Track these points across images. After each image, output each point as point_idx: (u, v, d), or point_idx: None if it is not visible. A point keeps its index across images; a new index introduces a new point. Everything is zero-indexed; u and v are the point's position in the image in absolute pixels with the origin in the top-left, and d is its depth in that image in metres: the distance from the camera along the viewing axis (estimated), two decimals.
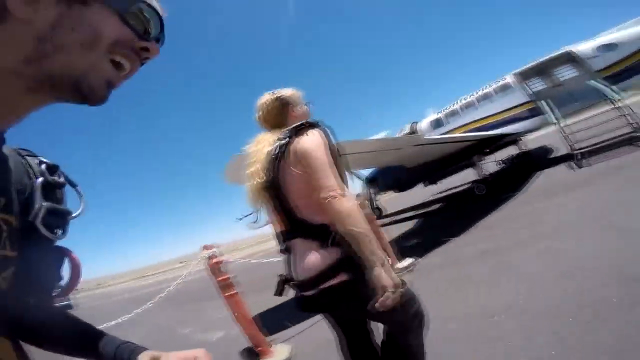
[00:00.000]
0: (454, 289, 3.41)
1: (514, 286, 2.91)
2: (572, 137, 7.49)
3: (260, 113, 1.53)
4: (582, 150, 7.17)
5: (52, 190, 0.59)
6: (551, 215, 4.61)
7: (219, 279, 3.38)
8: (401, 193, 11.79)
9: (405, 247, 6.42)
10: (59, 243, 0.59)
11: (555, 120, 7.60)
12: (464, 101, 10.00)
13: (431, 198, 12.70)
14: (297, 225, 1.29)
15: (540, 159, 10.10)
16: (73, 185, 0.64)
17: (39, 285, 0.58)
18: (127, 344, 0.69)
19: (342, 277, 1.19)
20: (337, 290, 1.20)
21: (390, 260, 4.60)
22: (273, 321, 4.40)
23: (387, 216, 12.62)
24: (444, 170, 9.32)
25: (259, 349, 3.33)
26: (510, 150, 11.67)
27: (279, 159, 1.29)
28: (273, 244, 1.90)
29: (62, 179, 0.62)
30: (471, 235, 5.29)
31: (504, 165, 12.06)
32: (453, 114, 10.18)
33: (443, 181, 11.18)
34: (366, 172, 11.29)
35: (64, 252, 0.61)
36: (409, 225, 8.68)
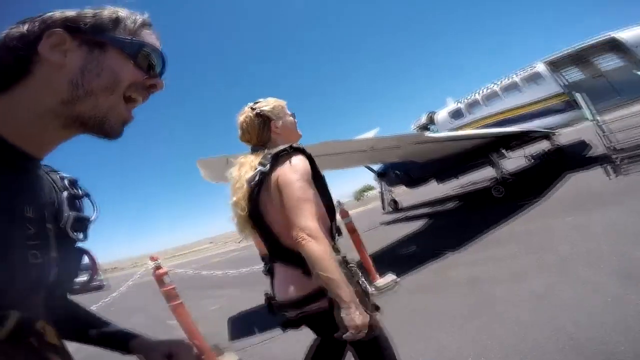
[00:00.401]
0: (419, 323, 3.09)
1: (486, 336, 2.50)
2: (611, 137, 6.38)
3: (241, 132, 1.45)
4: (622, 155, 6.06)
5: (73, 201, 0.70)
6: (568, 240, 3.83)
7: (164, 289, 3.42)
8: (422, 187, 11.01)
9: (400, 255, 5.92)
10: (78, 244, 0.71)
11: (591, 117, 6.46)
12: (486, 91, 8.91)
13: (450, 193, 11.90)
14: (280, 252, 1.27)
15: (575, 157, 8.92)
16: (88, 195, 0.75)
17: (67, 280, 0.70)
18: (124, 330, 0.84)
19: (320, 305, 1.19)
20: (315, 317, 1.22)
21: (370, 277, 4.12)
22: (244, 325, 4.48)
23: (401, 210, 12.05)
24: (458, 168, 8.41)
25: (202, 357, 3.17)
26: (542, 145, 10.43)
27: (259, 188, 1.26)
28: None
29: (80, 192, 0.74)
30: (470, 253, 4.71)
31: (533, 161, 10.88)
32: (474, 104, 9.14)
33: (462, 177, 10.23)
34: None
35: (83, 252, 0.72)
36: (415, 226, 8.09)
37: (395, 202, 12.65)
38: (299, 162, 1.23)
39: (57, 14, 0.57)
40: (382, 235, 8.24)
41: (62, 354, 0.61)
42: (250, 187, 1.26)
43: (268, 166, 1.24)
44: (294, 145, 1.28)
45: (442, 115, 10.01)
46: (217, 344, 3.79)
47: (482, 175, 10.05)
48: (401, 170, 9.28)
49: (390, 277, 4.34)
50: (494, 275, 3.59)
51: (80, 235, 0.69)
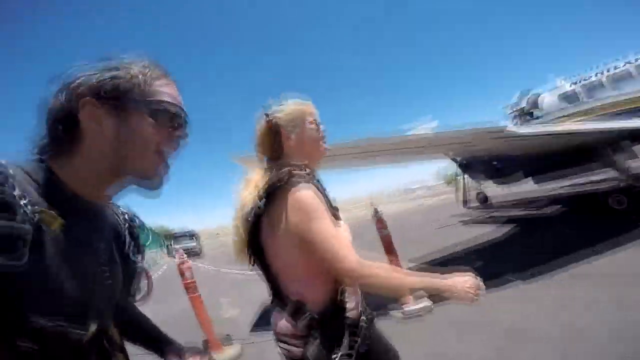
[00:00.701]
0: None
1: None
2: None
3: (254, 143, 1.29)
4: None
5: (132, 231, 0.89)
6: None
7: (185, 282, 3.79)
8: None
9: (458, 270, 4.96)
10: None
11: None
12: (614, 70, 6.67)
13: (555, 191, 9.84)
14: (276, 295, 1.19)
15: None
16: (143, 226, 0.94)
17: (130, 292, 0.89)
18: (164, 335, 0.98)
19: (302, 349, 1.08)
20: (297, 357, 1.13)
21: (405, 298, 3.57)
22: (266, 317, 4.26)
23: (490, 206, 10.54)
24: (565, 167, 6.66)
25: (210, 344, 3.66)
26: None
27: (258, 226, 1.14)
28: None
29: (137, 223, 0.91)
30: (542, 286, 3.64)
31: None
32: (596, 86, 6.98)
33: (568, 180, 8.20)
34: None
35: (142, 271, 0.91)
36: (497, 233, 6.86)
37: (484, 196, 11.12)
38: (302, 198, 1.06)
39: (82, 81, 0.64)
40: (452, 237, 7.23)
41: (124, 352, 0.79)
42: (249, 224, 1.14)
43: (262, 203, 1.10)
44: (294, 171, 1.10)
45: (550, 98, 7.97)
46: (229, 334, 3.94)
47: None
48: (488, 164, 7.91)
49: (423, 303, 3.71)
50: (544, 326, 2.75)
51: (139, 258, 0.88)
